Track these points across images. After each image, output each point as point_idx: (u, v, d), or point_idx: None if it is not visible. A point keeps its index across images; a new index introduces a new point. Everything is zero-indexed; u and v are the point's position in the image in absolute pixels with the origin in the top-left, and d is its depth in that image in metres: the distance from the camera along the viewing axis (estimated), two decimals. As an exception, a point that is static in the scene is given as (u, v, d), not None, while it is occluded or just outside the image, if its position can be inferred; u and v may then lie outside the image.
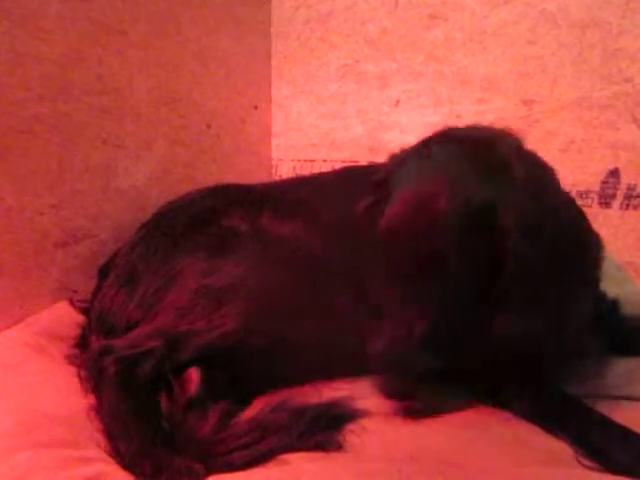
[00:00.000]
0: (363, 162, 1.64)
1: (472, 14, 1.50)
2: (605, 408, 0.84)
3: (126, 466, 0.76)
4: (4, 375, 0.90)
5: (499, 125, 0.94)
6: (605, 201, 1.38)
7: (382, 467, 0.75)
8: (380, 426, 0.83)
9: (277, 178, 1.77)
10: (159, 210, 1.15)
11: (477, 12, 1.50)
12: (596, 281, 0.95)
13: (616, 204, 1.37)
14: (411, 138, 1.68)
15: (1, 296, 1.03)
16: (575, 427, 0.82)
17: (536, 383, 0.91)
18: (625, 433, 0.80)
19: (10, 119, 1.02)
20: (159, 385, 0.88)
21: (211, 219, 1.05)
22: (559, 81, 1.40)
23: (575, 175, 1.40)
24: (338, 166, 1.59)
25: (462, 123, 1.10)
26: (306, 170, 1.72)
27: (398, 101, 1.61)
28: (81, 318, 1.07)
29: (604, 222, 1.36)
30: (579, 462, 0.77)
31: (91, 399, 0.86)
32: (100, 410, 0.84)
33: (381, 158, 1.61)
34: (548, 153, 0.94)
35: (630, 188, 1.35)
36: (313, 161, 1.73)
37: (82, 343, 1.01)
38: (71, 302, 1.12)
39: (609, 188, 1.38)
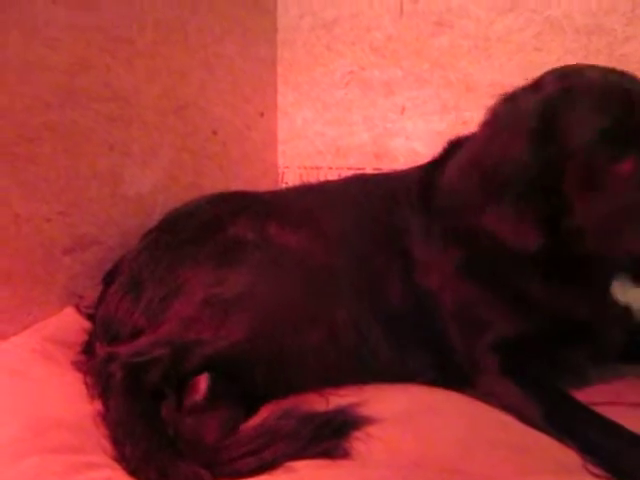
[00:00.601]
0: (369, 169, 1.64)
1: (477, 21, 1.51)
2: (617, 416, 0.84)
3: (132, 472, 0.76)
4: (12, 381, 0.91)
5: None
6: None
7: (388, 474, 0.75)
8: (386, 433, 0.82)
9: (283, 185, 1.77)
10: (165, 217, 1.16)
11: (482, 19, 1.50)
12: None
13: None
14: (417, 145, 1.69)
15: (9, 302, 1.04)
16: (585, 434, 0.82)
17: (545, 388, 0.91)
18: (636, 440, 0.79)
19: (19, 127, 1.03)
20: (165, 392, 0.88)
21: (218, 227, 1.05)
22: (565, 87, 1.40)
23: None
24: (344, 173, 1.59)
25: (468, 130, 1.11)
26: (312, 177, 1.72)
27: (404, 108, 1.61)
28: (88, 324, 1.08)
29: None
30: (588, 470, 0.77)
31: (98, 405, 0.87)
32: (106, 416, 0.84)
33: (387, 165, 1.62)
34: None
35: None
36: (319, 168, 1.73)
37: (89, 349, 1.01)
38: (78, 308, 1.13)
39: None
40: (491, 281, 0.98)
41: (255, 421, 0.87)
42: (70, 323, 1.09)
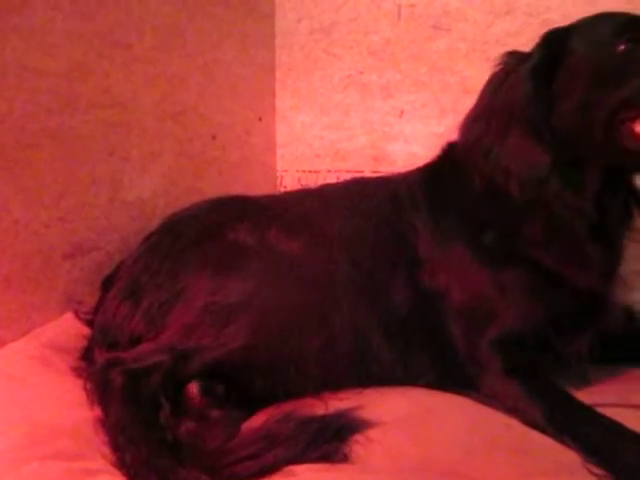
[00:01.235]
0: (367, 173, 1.64)
1: (475, 24, 1.51)
2: (620, 417, 0.84)
3: (132, 478, 0.76)
4: (10, 387, 0.91)
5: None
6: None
7: (388, 478, 0.75)
8: (386, 436, 0.82)
9: (282, 189, 1.77)
10: (164, 221, 1.15)
11: (480, 22, 1.50)
12: None
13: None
14: (416, 148, 1.69)
15: (8, 308, 1.04)
16: (586, 434, 0.82)
17: (547, 389, 0.91)
18: (638, 439, 0.79)
19: (17, 133, 1.03)
20: (165, 398, 0.88)
21: (217, 232, 1.05)
22: (562, 90, 1.40)
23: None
24: (343, 177, 1.59)
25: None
26: (311, 181, 1.72)
27: (402, 112, 1.61)
28: (87, 330, 1.08)
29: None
30: (588, 470, 0.77)
31: (97, 411, 0.87)
32: (106, 422, 0.84)
33: (386, 168, 1.62)
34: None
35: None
36: (318, 172, 1.73)
37: (88, 355, 1.01)
38: (77, 314, 1.13)
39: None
40: (504, 259, 0.99)
41: (254, 425, 0.86)
42: (69, 329, 1.09)
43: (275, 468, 0.76)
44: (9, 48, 1.00)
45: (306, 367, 0.96)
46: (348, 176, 1.54)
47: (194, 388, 0.90)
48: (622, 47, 0.92)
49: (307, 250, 1.04)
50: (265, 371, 0.95)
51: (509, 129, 0.96)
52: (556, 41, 0.98)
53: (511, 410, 0.91)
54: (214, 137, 1.55)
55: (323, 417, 0.85)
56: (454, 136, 1.15)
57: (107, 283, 1.08)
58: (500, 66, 1.02)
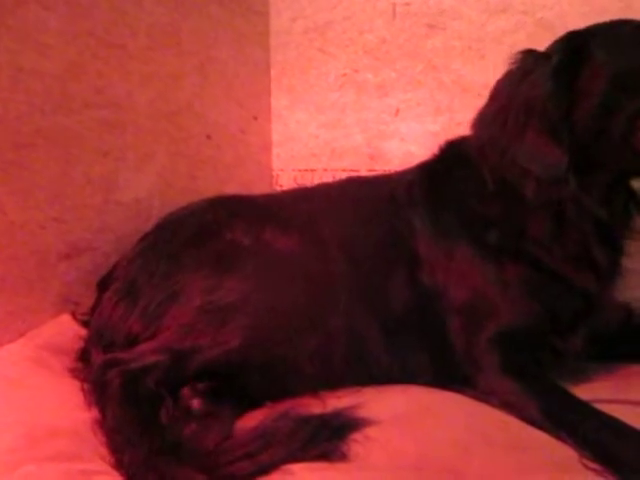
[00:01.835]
0: (363, 171, 1.64)
1: (470, 23, 1.51)
2: (617, 413, 0.84)
3: (130, 478, 0.76)
4: (7, 389, 0.90)
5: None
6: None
7: (386, 476, 0.75)
8: (384, 434, 0.82)
9: (277, 188, 1.77)
10: (160, 221, 1.15)
11: (475, 21, 1.51)
12: None
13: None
14: (411, 146, 1.69)
15: (3, 310, 1.03)
16: (582, 429, 0.82)
17: (544, 385, 0.92)
18: (635, 435, 0.79)
19: (12, 133, 1.03)
20: (163, 398, 0.88)
21: (213, 232, 1.05)
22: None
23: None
24: (338, 175, 1.59)
25: (462, 131, 1.11)
26: (307, 180, 1.72)
27: (398, 110, 1.62)
28: (83, 331, 1.07)
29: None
30: (585, 466, 0.77)
31: (94, 412, 0.86)
32: (104, 423, 0.84)
33: (381, 167, 1.62)
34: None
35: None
36: (314, 171, 1.73)
37: (85, 356, 1.01)
38: (73, 315, 1.12)
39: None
40: (506, 257, 1.00)
41: (251, 424, 0.86)
42: (65, 330, 1.08)
43: (272, 467, 0.76)
44: (3, 49, 1.00)
45: (303, 366, 0.97)
46: (344, 175, 1.54)
47: (189, 388, 0.90)
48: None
49: (304, 249, 1.04)
50: (262, 370, 0.95)
51: (527, 128, 0.96)
52: (577, 43, 0.98)
53: (508, 407, 0.91)
54: (209, 136, 1.54)
55: (321, 416, 0.85)
56: (451, 135, 1.15)
57: (103, 284, 1.08)
58: (516, 65, 1.02)
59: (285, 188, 1.72)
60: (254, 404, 0.95)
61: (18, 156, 1.04)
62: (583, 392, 0.92)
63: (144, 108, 1.32)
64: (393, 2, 1.59)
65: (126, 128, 1.28)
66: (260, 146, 1.76)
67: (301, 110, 1.75)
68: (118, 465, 0.77)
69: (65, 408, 0.88)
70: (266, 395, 0.95)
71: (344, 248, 1.07)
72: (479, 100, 1.08)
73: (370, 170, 1.62)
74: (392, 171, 1.29)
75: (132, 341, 0.95)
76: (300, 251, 1.03)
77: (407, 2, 1.58)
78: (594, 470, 0.76)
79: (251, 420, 0.89)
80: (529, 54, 1.02)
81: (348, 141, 1.69)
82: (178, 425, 0.85)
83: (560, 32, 1.37)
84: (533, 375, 0.94)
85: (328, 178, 1.64)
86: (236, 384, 0.94)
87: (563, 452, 0.81)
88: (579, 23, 1.09)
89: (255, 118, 1.73)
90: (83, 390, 0.92)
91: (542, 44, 1.40)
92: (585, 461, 0.78)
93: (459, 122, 1.50)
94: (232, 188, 1.55)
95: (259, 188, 1.68)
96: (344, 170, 1.66)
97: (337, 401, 0.91)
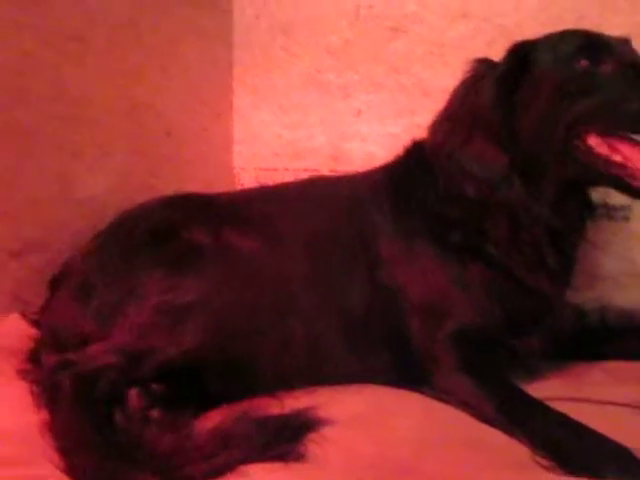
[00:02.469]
0: (325, 171, 1.64)
1: (431, 27, 1.53)
2: (569, 410, 0.86)
3: (82, 483, 0.74)
4: (-48, 391, 0.87)
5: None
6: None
7: (343, 477, 0.75)
8: (341, 435, 0.83)
9: (239, 187, 1.76)
10: (116, 219, 1.12)
11: (436, 26, 1.53)
12: None
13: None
14: (373, 148, 1.70)
15: (-50, 309, 1.00)
16: (534, 426, 0.84)
17: (499, 383, 0.94)
18: (585, 431, 0.82)
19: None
20: (117, 400, 0.86)
21: (171, 231, 1.03)
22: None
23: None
24: (300, 175, 1.59)
25: (422, 134, 1.13)
26: (268, 179, 1.71)
27: (360, 111, 1.62)
28: (34, 331, 1.04)
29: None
30: (537, 463, 0.79)
31: (44, 415, 0.84)
32: (55, 426, 0.81)
33: (343, 167, 1.63)
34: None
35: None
36: (275, 170, 1.72)
37: (35, 357, 0.98)
38: (23, 314, 1.09)
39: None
40: (466, 257, 1.02)
41: (209, 425, 0.85)
42: (15, 330, 1.06)
43: (229, 468, 0.75)
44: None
45: (262, 367, 0.96)
46: (306, 175, 1.54)
47: (144, 389, 0.88)
48: (582, 64, 0.97)
49: (264, 249, 1.03)
50: (220, 371, 0.94)
51: (472, 132, 1.01)
52: (524, 53, 1.03)
53: (464, 405, 0.93)
54: (169, 133, 1.52)
55: (278, 417, 0.85)
56: (415, 136, 1.17)
57: (55, 282, 1.05)
58: (470, 72, 1.07)
59: (246, 187, 1.70)
60: (213, 405, 0.93)
61: (-33, 149, 1.00)
62: (537, 390, 0.94)
63: (102, 103, 1.29)
64: (357, 4, 1.60)
65: (83, 123, 1.25)
66: (222, 144, 1.75)
67: (264, 109, 1.74)
68: (69, 469, 0.75)
69: (13, 411, 0.86)
70: (225, 395, 0.94)
71: (305, 248, 1.07)
72: (440, 103, 1.10)
73: (332, 170, 1.63)
74: (354, 171, 1.30)
75: (85, 342, 0.93)
76: (260, 251, 1.03)
77: (371, 4, 1.59)
78: (546, 467, 0.78)
79: (209, 421, 0.88)
80: (482, 63, 1.06)
81: (311, 141, 1.69)
82: (133, 428, 0.83)
83: (518, 39, 1.41)
84: (489, 374, 0.96)
85: (290, 178, 1.63)
86: (194, 385, 0.93)
87: (517, 450, 0.82)
88: (536, 31, 1.12)
89: (217, 116, 1.72)
90: (32, 392, 0.89)
91: (501, 50, 1.43)
92: (537, 458, 0.80)
93: (419, 124, 1.51)
94: (193, 186, 1.52)
95: (220, 186, 1.66)
96: (306, 170, 1.66)
97: (295, 401, 0.91)
